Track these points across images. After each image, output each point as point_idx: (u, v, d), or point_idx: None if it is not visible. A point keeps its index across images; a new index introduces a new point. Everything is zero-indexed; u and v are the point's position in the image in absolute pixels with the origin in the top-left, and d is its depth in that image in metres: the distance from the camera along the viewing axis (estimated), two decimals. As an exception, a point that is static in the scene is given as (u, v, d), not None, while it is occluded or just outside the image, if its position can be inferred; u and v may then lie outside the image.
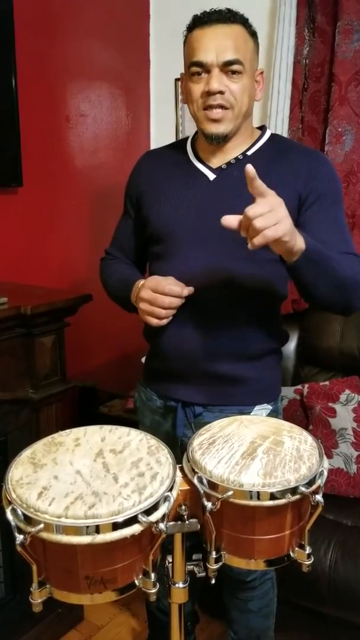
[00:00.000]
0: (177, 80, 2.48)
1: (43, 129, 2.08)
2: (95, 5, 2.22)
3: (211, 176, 1.29)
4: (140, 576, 0.84)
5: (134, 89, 2.49)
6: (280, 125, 2.15)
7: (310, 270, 1.11)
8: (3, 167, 1.89)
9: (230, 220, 1.01)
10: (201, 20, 1.21)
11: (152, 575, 0.84)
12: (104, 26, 2.28)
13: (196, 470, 0.89)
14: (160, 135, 2.57)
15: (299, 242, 1.04)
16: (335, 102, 2.05)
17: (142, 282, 1.27)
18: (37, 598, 0.82)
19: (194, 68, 1.20)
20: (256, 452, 0.91)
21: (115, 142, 2.42)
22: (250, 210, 0.95)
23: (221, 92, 1.18)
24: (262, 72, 1.28)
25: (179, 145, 1.41)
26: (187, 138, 1.40)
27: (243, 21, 1.22)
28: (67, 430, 0.98)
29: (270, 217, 0.95)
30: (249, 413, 1.30)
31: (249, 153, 1.29)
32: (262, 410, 1.34)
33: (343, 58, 2.02)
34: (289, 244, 1.00)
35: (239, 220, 0.99)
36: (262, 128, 1.35)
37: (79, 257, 2.26)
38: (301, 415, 1.97)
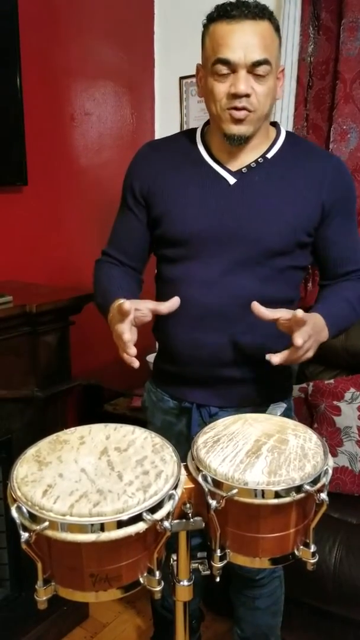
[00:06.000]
0: (182, 78, 2.48)
1: (48, 127, 2.08)
2: (99, 4, 2.22)
3: (231, 180, 1.24)
4: (145, 574, 0.84)
5: (138, 88, 2.49)
6: (285, 123, 2.15)
7: (336, 336, 1.28)
8: (8, 166, 1.90)
9: (264, 313, 1.11)
10: (228, 14, 1.11)
11: (157, 573, 0.84)
12: (109, 25, 2.28)
13: (201, 468, 0.89)
14: (165, 133, 2.52)
15: (322, 337, 1.18)
16: (340, 99, 2.05)
17: (118, 302, 1.13)
18: (42, 595, 0.82)
19: (219, 66, 1.12)
20: (261, 451, 0.91)
21: (120, 141, 2.42)
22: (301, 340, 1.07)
23: (247, 95, 1.13)
24: (282, 70, 1.23)
25: (185, 138, 1.33)
26: (192, 131, 1.33)
27: (270, 16, 1.15)
28: (72, 429, 0.98)
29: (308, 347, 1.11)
30: (264, 411, 1.29)
31: (268, 156, 1.25)
32: (277, 409, 1.33)
33: (348, 56, 2.02)
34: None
35: (272, 315, 1.11)
36: (275, 125, 1.30)
37: (84, 256, 2.24)
38: (306, 413, 1.97)
